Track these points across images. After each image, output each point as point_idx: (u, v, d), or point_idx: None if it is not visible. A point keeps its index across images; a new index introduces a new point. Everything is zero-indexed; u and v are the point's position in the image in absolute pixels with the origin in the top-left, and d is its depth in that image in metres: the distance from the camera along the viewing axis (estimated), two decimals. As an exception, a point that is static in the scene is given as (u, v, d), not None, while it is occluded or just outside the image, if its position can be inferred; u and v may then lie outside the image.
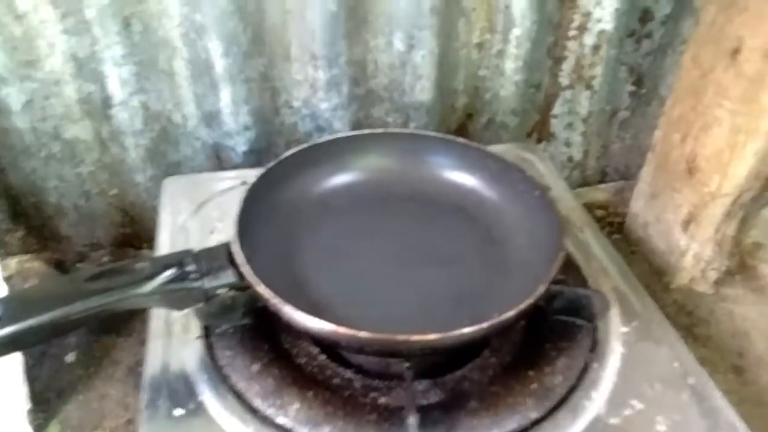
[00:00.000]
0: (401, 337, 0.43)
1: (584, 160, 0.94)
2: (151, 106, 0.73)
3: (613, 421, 0.47)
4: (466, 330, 0.43)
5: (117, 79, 0.70)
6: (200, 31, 0.68)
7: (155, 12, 0.67)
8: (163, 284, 0.47)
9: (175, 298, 0.48)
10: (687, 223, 0.74)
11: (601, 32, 0.80)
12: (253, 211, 0.54)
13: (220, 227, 0.64)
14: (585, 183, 0.96)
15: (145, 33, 0.68)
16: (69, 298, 0.45)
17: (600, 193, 0.93)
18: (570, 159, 0.93)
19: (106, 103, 0.71)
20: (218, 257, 0.50)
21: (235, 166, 0.79)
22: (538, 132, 0.90)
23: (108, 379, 0.66)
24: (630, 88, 0.88)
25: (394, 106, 0.80)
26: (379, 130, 0.65)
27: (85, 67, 0.69)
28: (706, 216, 0.72)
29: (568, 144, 0.92)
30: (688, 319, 0.75)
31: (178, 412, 0.47)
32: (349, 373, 0.51)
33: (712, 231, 0.73)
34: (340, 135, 0.62)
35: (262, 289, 0.46)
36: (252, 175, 0.57)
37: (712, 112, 0.68)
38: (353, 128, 0.79)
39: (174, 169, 0.78)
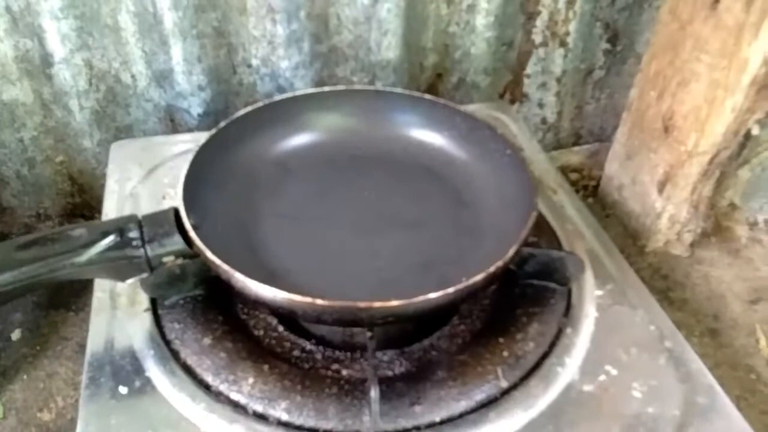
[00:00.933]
0: (362, 304, 0.40)
1: (558, 121, 0.91)
2: (96, 65, 0.68)
3: (587, 388, 0.45)
4: (432, 296, 0.40)
5: (57, 35, 0.64)
6: (146, -19, 0.63)
7: (96, -40, 0.61)
8: (102, 252, 0.43)
9: (116, 267, 0.45)
10: (663, 184, 0.72)
11: (576, -14, 0.77)
12: (204, 174, 0.50)
13: (172, 193, 0.60)
14: (559, 145, 0.93)
15: (86, -17, 0.63)
16: (-4, 269, 0.41)
17: (574, 156, 0.91)
18: (543, 121, 0.90)
19: (46, 61, 0.66)
20: (164, 223, 0.46)
21: (191, 130, 0.74)
22: (511, 92, 0.86)
23: (56, 357, 0.62)
24: (605, 45, 0.84)
25: (360, 64, 0.76)
26: (341, 87, 0.61)
27: (21, 21, 0.63)
28: (682, 176, 0.70)
29: (541, 105, 0.88)
30: (663, 282, 0.73)
31: (123, 390, 0.44)
32: (309, 345, 0.48)
33: (688, 192, 0.71)
34: (298, 93, 0.58)
35: (211, 256, 0.42)
36: (208, 135, 0.53)
37: (690, 66, 0.65)
38: (316, 87, 0.75)
39: (125, 133, 0.73)
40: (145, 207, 0.59)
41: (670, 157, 0.70)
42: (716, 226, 0.78)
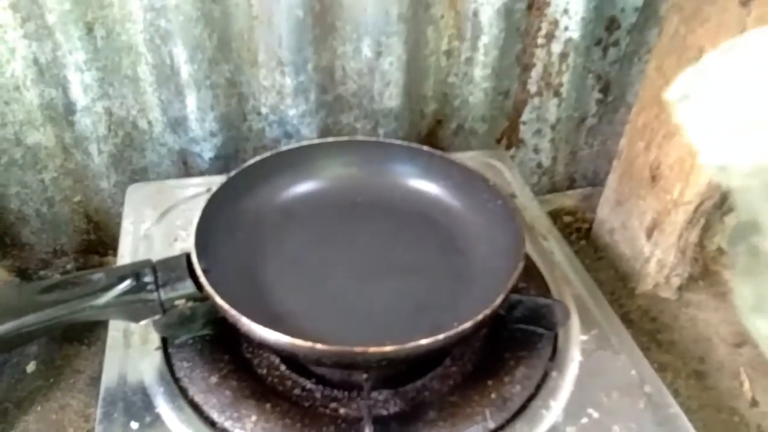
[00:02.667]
0: (358, 349, 0.43)
1: (553, 166, 0.94)
2: (115, 112, 0.72)
3: (570, 430, 0.47)
4: (423, 342, 0.43)
5: (80, 85, 0.69)
6: (165, 36, 0.68)
7: (119, 17, 0.66)
8: (119, 296, 0.47)
9: (131, 309, 0.48)
10: (651, 230, 0.75)
11: (569, 40, 0.81)
12: (215, 221, 0.54)
13: (183, 235, 0.64)
14: (553, 189, 0.97)
15: (109, 38, 0.67)
16: (21, 311, 0.45)
17: (568, 199, 0.94)
18: (539, 165, 0.94)
19: (69, 108, 0.70)
20: (176, 268, 0.49)
21: (202, 173, 0.78)
22: (508, 138, 0.90)
23: (69, 390, 0.65)
24: (597, 95, 0.89)
25: (363, 112, 0.80)
26: (344, 138, 0.65)
27: (47, 72, 0.68)
28: (669, 223, 0.73)
29: (536, 150, 0.92)
30: (652, 324, 0.75)
31: (135, 425, 0.47)
32: (309, 384, 0.51)
33: (675, 238, 0.74)
34: (303, 143, 0.62)
35: (219, 301, 0.45)
36: (218, 181, 0.57)
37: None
38: (322, 135, 0.79)
39: (140, 175, 0.77)
40: (158, 248, 0.63)
41: (657, 204, 0.73)
42: (704, 270, 0.81)
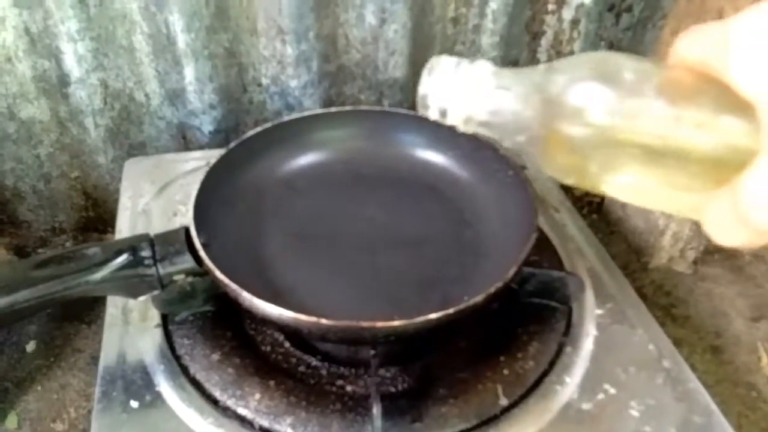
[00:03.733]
0: (365, 324, 0.41)
1: (563, 138, 0.92)
2: (111, 84, 0.70)
3: (586, 406, 0.46)
4: (433, 316, 0.41)
5: (73, 55, 0.66)
6: (160, 4, 0.65)
7: (112, -16, 0.63)
8: (115, 271, 0.45)
9: (128, 285, 0.46)
10: (666, 202, 0.73)
11: (580, 6, 0.78)
12: (214, 193, 0.52)
13: (183, 210, 0.62)
14: (564, 162, 0.94)
15: (102, 6, 0.64)
16: (14, 287, 0.43)
17: (579, 172, 0.92)
18: (549, 137, 0.91)
19: (63, 80, 0.68)
20: (175, 242, 0.47)
21: (202, 147, 0.76)
22: (516, 110, 0.88)
23: (69, 369, 0.64)
24: (609, 64, 0.85)
25: (367, 83, 0.78)
26: (347, 108, 0.62)
27: (39, 43, 0.65)
28: (684, 194, 0.70)
29: (546, 122, 0.90)
30: (666, 299, 0.74)
31: (134, 404, 0.45)
32: (314, 361, 0.49)
33: (690, 210, 0.71)
34: (305, 113, 0.60)
35: (219, 275, 0.44)
36: (217, 155, 0.54)
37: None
38: (324, 106, 0.76)
39: (138, 149, 0.75)
40: (157, 223, 0.61)
41: (672, 175, 0.71)
42: (719, 243, 0.79)
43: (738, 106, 0.23)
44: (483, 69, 0.30)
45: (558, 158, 0.29)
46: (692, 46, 0.26)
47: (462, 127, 0.32)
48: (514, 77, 0.30)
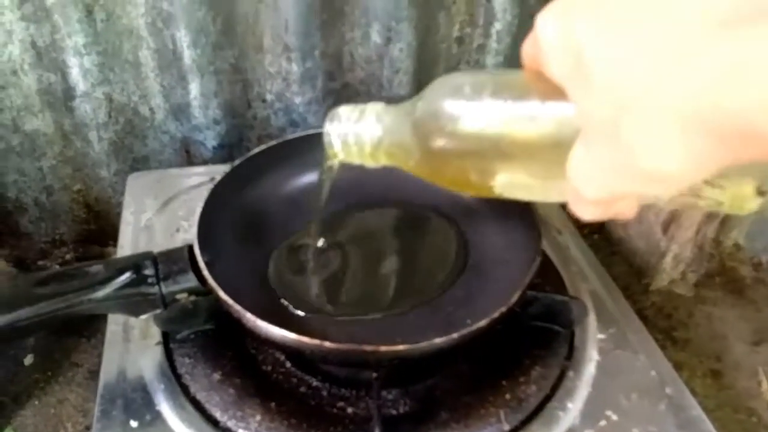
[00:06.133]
0: (369, 348, 0.41)
1: (565, 158, 0.92)
2: (116, 98, 0.70)
3: (588, 433, 0.45)
4: (437, 340, 0.41)
5: (79, 69, 0.67)
6: (167, 20, 0.65)
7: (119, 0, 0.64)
8: (118, 289, 0.45)
9: (131, 303, 0.46)
10: (667, 224, 0.73)
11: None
12: (218, 211, 0.52)
13: (185, 226, 0.62)
14: (566, 181, 0.94)
15: (109, 21, 0.65)
16: (16, 304, 0.43)
17: (581, 192, 0.92)
18: (551, 157, 0.92)
19: (68, 94, 0.68)
20: (178, 260, 0.47)
21: (206, 162, 0.76)
22: (519, 129, 0.88)
23: (67, 384, 0.63)
24: (612, 85, 0.86)
25: (371, 100, 0.77)
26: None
27: (46, 56, 0.65)
28: (686, 217, 0.71)
29: (549, 141, 0.90)
30: (666, 321, 0.73)
31: (134, 423, 0.45)
32: (315, 382, 0.49)
33: (692, 232, 0.72)
34: (310, 132, 0.60)
35: (223, 296, 0.43)
36: (221, 171, 0.54)
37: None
38: (328, 123, 0.77)
39: (141, 163, 0.75)
40: (160, 239, 0.61)
41: (674, 198, 0.71)
42: (721, 266, 0.79)
43: (559, 92, 0.25)
44: (371, 108, 0.38)
45: (446, 174, 0.33)
46: (526, 48, 0.28)
47: (368, 163, 0.39)
48: (393, 109, 0.37)
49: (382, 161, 0.39)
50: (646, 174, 0.21)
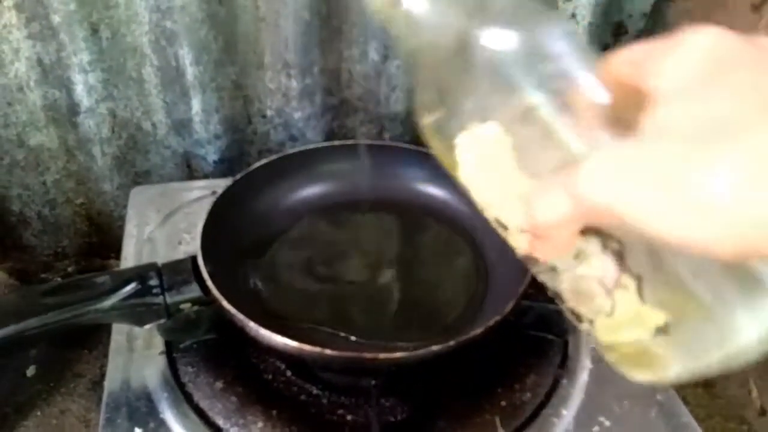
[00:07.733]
0: (368, 356, 0.42)
1: (559, 171, 0.94)
2: (119, 114, 0.71)
3: (582, 439, 0.47)
4: (435, 348, 0.42)
5: (84, 86, 0.68)
6: (171, 38, 0.67)
7: (124, 18, 0.65)
8: (124, 299, 0.46)
9: (136, 313, 0.47)
10: (658, 237, 0.75)
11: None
12: (220, 224, 0.53)
13: (187, 239, 0.63)
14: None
15: (114, 39, 0.67)
16: (23, 314, 0.44)
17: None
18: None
19: (73, 109, 0.70)
20: (182, 271, 0.49)
21: (207, 176, 0.77)
22: (513, 143, 0.90)
23: (69, 394, 0.64)
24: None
25: (369, 116, 0.80)
26: (351, 141, 0.64)
27: (51, 73, 0.67)
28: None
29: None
30: (659, 331, 0.75)
31: (139, 431, 0.46)
32: (315, 390, 0.50)
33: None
34: (310, 146, 0.62)
35: (226, 305, 0.45)
36: (222, 185, 0.56)
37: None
38: (327, 138, 0.78)
39: (143, 177, 0.77)
40: (162, 251, 0.62)
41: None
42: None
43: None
44: None
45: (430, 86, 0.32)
46: (628, 57, 0.26)
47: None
48: None
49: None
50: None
